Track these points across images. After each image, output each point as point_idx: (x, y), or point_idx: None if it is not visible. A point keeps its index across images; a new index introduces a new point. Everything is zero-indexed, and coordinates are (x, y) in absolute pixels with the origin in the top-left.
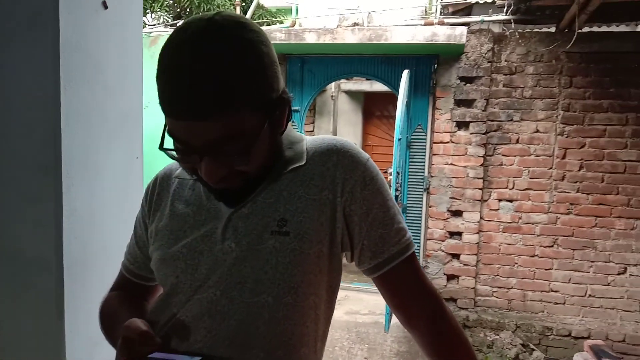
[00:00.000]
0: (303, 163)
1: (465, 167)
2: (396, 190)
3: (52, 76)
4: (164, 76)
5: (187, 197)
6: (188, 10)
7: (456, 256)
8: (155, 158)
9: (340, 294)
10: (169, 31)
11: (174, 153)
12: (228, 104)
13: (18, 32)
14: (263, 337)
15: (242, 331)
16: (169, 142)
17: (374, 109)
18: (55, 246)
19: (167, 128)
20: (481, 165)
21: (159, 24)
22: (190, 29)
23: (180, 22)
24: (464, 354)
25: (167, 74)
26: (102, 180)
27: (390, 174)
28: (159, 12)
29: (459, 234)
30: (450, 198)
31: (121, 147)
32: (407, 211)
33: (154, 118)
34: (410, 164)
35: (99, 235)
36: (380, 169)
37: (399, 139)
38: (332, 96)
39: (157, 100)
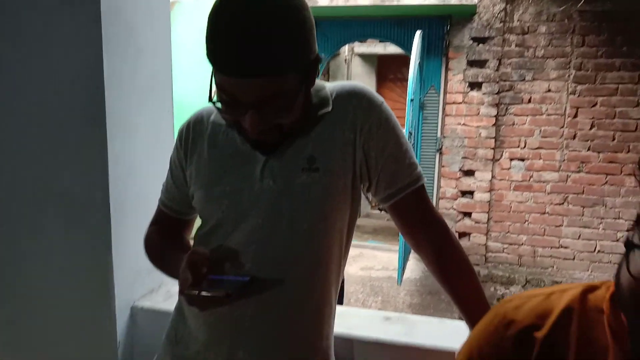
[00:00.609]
0: (330, 109)
1: (477, 127)
2: None
3: (95, 41)
4: (218, 35)
5: (222, 142)
6: None
7: (468, 214)
8: (182, 111)
9: (355, 251)
10: None
11: (219, 105)
12: (276, 65)
13: (66, 2)
14: (301, 258)
15: (284, 254)
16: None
17: (388, 72)
18: (102, 188)
19: (215, 82)
20: (493, 125)
21: None
22: None
23: None
24: (467, 277)
25: (222, 34)
26: (139, 130)
27: None
28: None
29: (471, 192)
30: (463, 158)
31: (154, 102)
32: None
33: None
34: (423, 125)
35: (138, 178)
36: None
37: (412, 100)
38: (345, 60)
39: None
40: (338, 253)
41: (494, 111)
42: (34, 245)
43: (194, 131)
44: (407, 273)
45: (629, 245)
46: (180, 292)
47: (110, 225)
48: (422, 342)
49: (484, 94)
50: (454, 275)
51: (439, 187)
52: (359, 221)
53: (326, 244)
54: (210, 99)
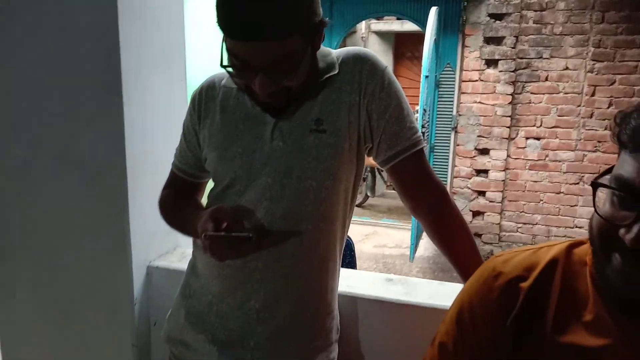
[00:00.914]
0: (336, 72)
1: (493, 105)
2: (422, 127)
3: (111, 11)
4: (226, 1)
5: (233, 106)
6: None
7: (482, 193)
8: (193, 80)
9: (369, 229)
10: None
11: (231, 69)
12: (284, 29)
13: None
14: (309, 213)
15: (293, 209)
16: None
17: (405, 49)
18: (119, 153)
19: (226, 47)
20: (509, 103)
21: None
22: None
23: None
24: (464, 240)
25: (230, 0)
26: (153, 98)
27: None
28: None
29: (486, 171)
30: (478, 136)
31: (168, 69)
32: (435, 150)
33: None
34: (439, 103)
35: (153, 143)
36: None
37: (426, 77)
38: (362, 37)
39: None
40: (343, 211)
41: (510, 89)
42: (55, 207)
43: (207, 96)
44: (420, 251)
45: (595, 185)
46: (203, 235)
47: (126, 189)
48: (421, 301)
49: (500, 71)
50: (451, 238)
51: (453, 165)
52: (374, 201)
53: (332, 202)
54: (221, 64)
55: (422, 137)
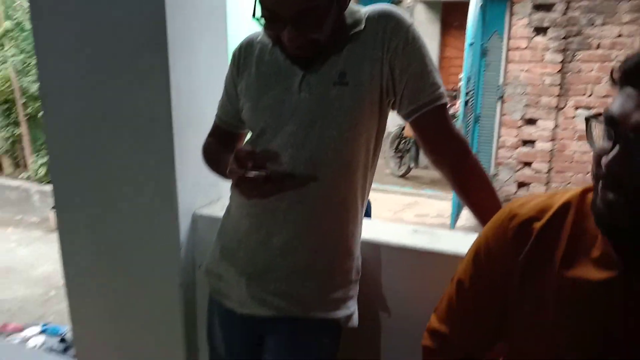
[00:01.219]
0: (362, 28)
1: (541, 74)
2: (466, 96)
3: None
4: None
5: (268, 60)
6: None
7: (528, 164)
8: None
9: (410, 199)
10: None
11: (262, 21)
12: None
13: None
14: (330, 161)
15: (315, 156)
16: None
17: (452, 19)
18: (166, 108)
19: (258, 0)
20: (558, 72)
21: None
22: None
23: None
24: (485, 191)
25: None
26: (197, 56)
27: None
28: None
29: (532, 142)
30: (525, 106)
31: (211, 29)
32: (480, 120)
33: None
34: (485, 72)
35: (197, 98)
36: (456, 80)
37: (471, 44)
38: (408, 7)
39: None
40: (364, 161)
41: (559, 57)
42: (109, 159)
43: (245, 52)
44: (462, 221)
45: (588, 119)
46: (230, 172)
47: (172, 143)
48: (444, 248)
49: (549, 39)
50: (472, 189)
51: (499, 136)
52: (417, 172)
53: (352, 151)
54: (253, 15)
55: (444, 94)
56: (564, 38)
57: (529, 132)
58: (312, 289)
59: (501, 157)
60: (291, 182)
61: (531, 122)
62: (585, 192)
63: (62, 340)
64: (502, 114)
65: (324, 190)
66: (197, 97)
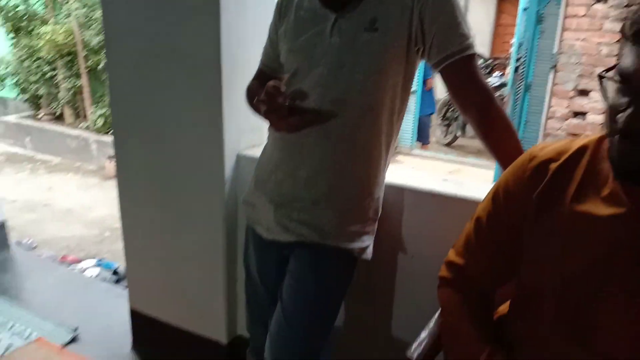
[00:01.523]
0: None
1: (598, 43)
2: (517, 61)
3: None
4: None
5: (306, 6)
6: None
7: (577, 136)
8: None
9: (453, 166)
10: None
11: None
12: None
13: None
14: (355, 102)
15: (342, 97)
16: None
17: None
18: (215, 51)
19: None
20: (617, 41)
21: None
22: None
23: None
24: (508, 138)
25: None
26: (246, 3)
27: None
28: None
29: (583, 114)
30: (578, 76)
31: None
32: (531, 88)
33: None
34: (540, 39)
35: (244, 44)
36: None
37: (525, 9)
38: None
39: None
40: (390, 106)
41: (619, 26)
42: (164, 99)
43: (288, 0)
44: None
45: (600, 77)
46: (257, 102)
47: (221, 87)
48: (467, 194)
49: (610, 6)
50: (496, 135)
51: (549, 106)
52: (464, 141)
53: (378, 94)
54: None
55: (473, 45)
56: (626, 5)
57: (580, 103)
58: (330, 219)
59: (550, 128)
60: (315, 117)
61: (584, 93)
62: (602, 138)
63: (115, 272)
64: (554, 84)
65: (347, 128)
66: (246, 43)
